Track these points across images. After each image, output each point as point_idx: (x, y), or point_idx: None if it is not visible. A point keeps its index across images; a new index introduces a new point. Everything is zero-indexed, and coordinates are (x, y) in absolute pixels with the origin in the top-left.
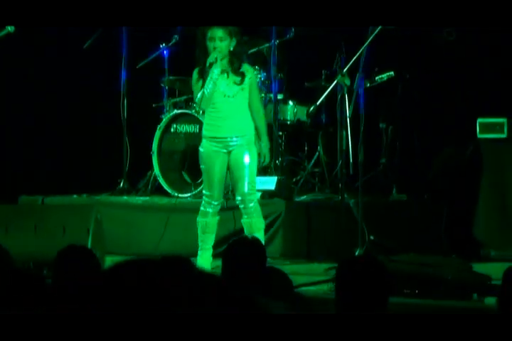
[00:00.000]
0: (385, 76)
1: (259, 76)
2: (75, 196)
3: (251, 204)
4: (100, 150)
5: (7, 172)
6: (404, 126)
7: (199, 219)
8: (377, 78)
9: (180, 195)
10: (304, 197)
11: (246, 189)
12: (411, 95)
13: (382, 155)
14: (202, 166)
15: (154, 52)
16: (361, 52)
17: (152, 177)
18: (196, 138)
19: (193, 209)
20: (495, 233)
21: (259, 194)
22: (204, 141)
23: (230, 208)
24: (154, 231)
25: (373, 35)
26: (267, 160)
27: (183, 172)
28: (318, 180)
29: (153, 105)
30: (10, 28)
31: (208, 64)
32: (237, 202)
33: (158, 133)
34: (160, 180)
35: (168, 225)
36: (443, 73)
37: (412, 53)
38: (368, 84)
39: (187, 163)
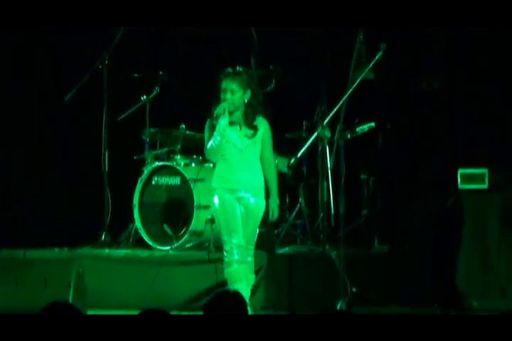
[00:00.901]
0: (365, 127)
1: None
2: (56, 249)
3: (249, 259)
4: (81, 202)
5: None
6: (385, 177)
7: (226, 270)
8: (358, 129)
9: (161, 248)
10: (285, 249)
11: (244, 243)
12: (392, 146)
13: (363, 206)
14: (220, 216)
15: (135, 104)
16: (341, 103)
17: (133, 230)
18: (177, 191)
19: (175, 262)
20: (477, 283)
21: None
22: (217, 192)
23: (211, 260)
24: (136, 284)
25: (354, 86)
26: (275, 215)
27: (165, 225)
28: (299, 232)
29: (135, 157)
30: None
31: (215, 115)
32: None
33: (139, 186)
34: (141, 233)
35: (149, 278)
36: (423, 123)
37: (392, 103)
38: (349, 136)
39: (168, 216)
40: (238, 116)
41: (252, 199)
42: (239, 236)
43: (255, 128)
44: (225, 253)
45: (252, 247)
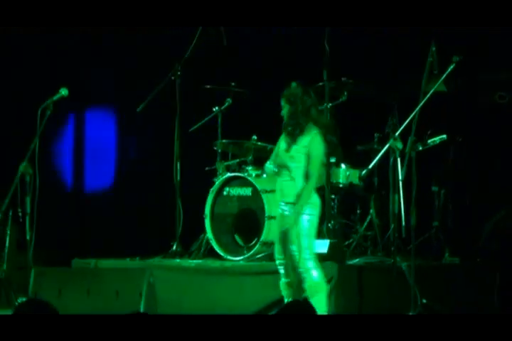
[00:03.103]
0: (437, 139)
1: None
2: (127, 259)
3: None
4: (153, 212)
5: (61, 235)
6: (456, 189)
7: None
8: (429, 141)
9: (232, 258)
10: (356, 260)
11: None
12: (463, 158)
13: (434, 218)
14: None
15: (207, 116)
16: (413, 115)
17: (205, 240)
18: (249, 201)
19: (245, 273)
20: None
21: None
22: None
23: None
24: (207, 294)
25: (426, 98)
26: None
27: (236, 236)
28: (370, 243)
29: (206, 168)
30: (64, 92)
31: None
32: None
33: (210, 197)
34: (212, 243)
35: (220, 288)
36: (495, 136)
37: (464, 116)
38: (421, 147)
39: (240, 226)
40: (289, 130)
41: (291, 213)
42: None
43: (302, 142)
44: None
45: (302, 264)
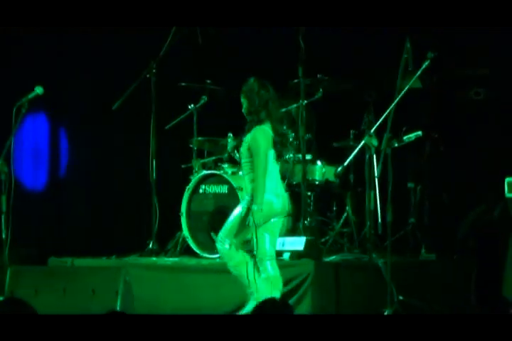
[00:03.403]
0: (413, 136)
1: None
2: (104, 258)
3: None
4: (129, 210)
5: (36, 233)
6: (432, 186)
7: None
8: (405, 138)
9: (209, 256)
10: (332, 258)
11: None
12: (439, 154)
13: (410, 214)
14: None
15: (183, 113)
16: (389, 112)
17: (181, 238)
18: (225, 199)
19: (222, 270)
20: None
21: (287, 254)
22: None
23: None
24: (184, 293)
25: (401, 94)
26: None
27: (212, 233)
28: (346, 240)
29: (182, 166)
30: (38, 90)
31: None
32: None
33: (186, 194)
34: (189, 241)
35: (197, 286)
36: (470, 131)
37: (439, 112)
38: (396, 144)
39: (216, 224)
40: None
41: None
42: None
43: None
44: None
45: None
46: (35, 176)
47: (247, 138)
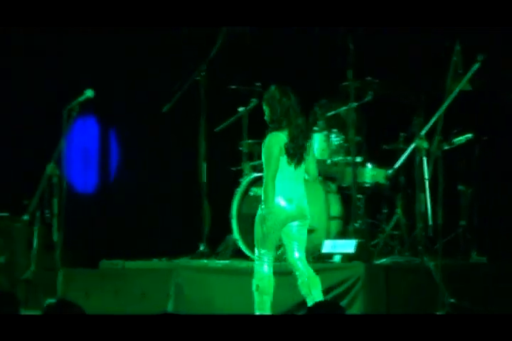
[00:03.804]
0: (463, 138)
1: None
2: (155, 260)
3: None
4: (180, 213)
5: (88, 236)
6: (483, 188)
7: None
8: (455, 140)
9: None
10: (383, 260)
11: None
12: (489, 157)
13: (461, 217)
14: None
15: (233, 116)
16: (439, 115)
17: (232, 241)
18: None
19: (273, 273)
20: None
21: (338, 257)
22: None
23: None
24: (235, 295)
25: (451, 97)
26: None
27: None
28: (397, 243)
29: (232, 168)
30: (89, 93)
31: None
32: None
33: (237, 197)
34: (239, 244)
35: (247, 288)
36: None
37: (490, 115)
38: (447, 147)
39: None
40: None
41: None
42: None
43: None
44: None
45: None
46: (86, 178)
47: (262, 145)
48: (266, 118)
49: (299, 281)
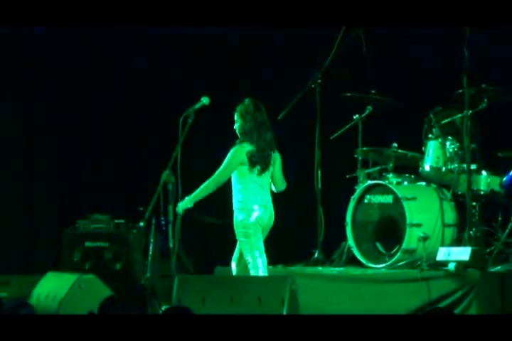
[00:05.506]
0: None
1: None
2: (270, 267)
3: None
4: (294, 220)
5: (202, 242)
6: None
7: None
8: None
9: (374, 266)
10: (498, 268)
11: None
12: None
13: None
14: None
15: (348, 123)
16: None
17: (346, 248)
18: (390, 209)
19: (388, 280)
20: None
21: (453, 264)
22: None
23: (424, 279)
24: (349, 302)
25: None
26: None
27: (377, 243)
28: None
29: (347, 176)
30: (205, 101)
31: None
32: None
33: (352, 204)
34: (354, 251)
35: (362, 295)
36: None
37: None
38: None
39: (381, 234)
40: None
41: None
42: None
43: None
44: None
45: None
46: None
47: None
48: (236, 128)
49: None
